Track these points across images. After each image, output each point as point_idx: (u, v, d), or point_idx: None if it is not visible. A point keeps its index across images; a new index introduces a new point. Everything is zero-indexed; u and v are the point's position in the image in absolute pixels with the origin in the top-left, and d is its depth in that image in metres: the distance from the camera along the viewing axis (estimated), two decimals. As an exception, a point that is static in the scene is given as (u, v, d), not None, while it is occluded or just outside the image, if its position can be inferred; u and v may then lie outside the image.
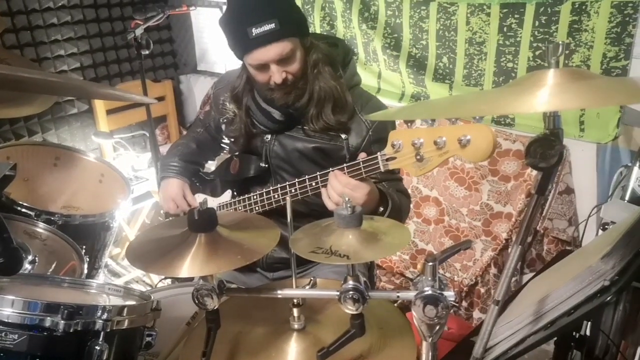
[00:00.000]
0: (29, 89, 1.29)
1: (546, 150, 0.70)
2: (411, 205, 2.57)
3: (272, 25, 1.27)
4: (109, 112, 3.29)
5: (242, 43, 1.33)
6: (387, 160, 1.15)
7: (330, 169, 1.28)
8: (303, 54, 1.38)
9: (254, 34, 1.28)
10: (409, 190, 2.56)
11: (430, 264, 0.83)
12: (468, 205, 2.39)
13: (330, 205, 1.28)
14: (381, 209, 1.34)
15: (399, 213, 1.39)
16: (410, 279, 2.71)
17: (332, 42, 1.50)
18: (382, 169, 1.18)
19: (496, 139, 0.96)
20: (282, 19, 1.29)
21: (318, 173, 1.31)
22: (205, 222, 0.94)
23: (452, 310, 0.87)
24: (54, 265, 1.61)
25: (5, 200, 1.79)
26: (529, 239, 2.22)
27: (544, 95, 0.62)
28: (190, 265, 0.87)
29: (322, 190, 1.30)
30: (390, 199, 1.35)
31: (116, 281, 2.95)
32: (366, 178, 1.25)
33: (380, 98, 2.57)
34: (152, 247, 0.96)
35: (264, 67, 1.35)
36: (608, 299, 0.78)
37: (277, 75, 1.34)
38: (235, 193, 1.68)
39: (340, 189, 1.24)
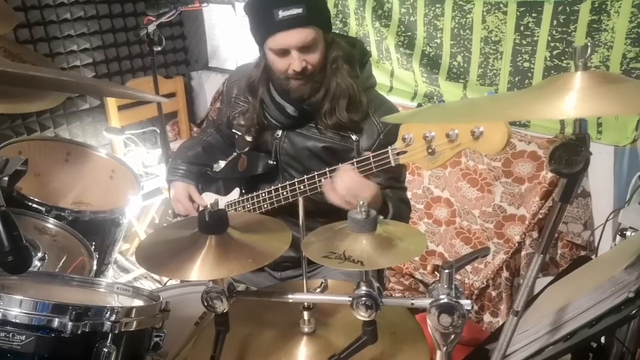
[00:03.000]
0: (41, 86, 1.28)
1: (572, 157, 0.67)
2: (421, 207, 2.55)
3: (300, 10, 1.28)
4: (121, 108, 3.29)
5: (266, 25, 1.32)
6: (397, 154, 1.13)
7: (340, 164, 1.26)
8: (324, 47, 1.37)
9: (280, 17, 1.28)
10: (420, 191, 2.55)
11: (447, 271, 0.81)
12: (480, 207, 2.36)
13: (332, 197, 1.26)
14: (381, 217, 1.32)
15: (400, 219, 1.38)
16: (420, 280, 2.68)
17: (350, 41, 1.49)
18: (392, 164, 1.16)
19: (510, 130, 0.94)
20: (309, 6, 1.30)
21: (327, 169, 1.29)
22: (216, 223, 0.92)
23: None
24: (63, 261, 1.61)
25: (16, 195, 1.80)
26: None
27: (572, 100, 0.59)
28: (200, 268, 0.86)
29: (326, 181, 1.28)
30: (390, 207, 1.34)
31: (125, 277, 2.95)
32: (373, 180, 1.24)
33: (392, 97, 2.56)
34: (162, 248, 0.94)
35: (284, 53, 1.34)
36: (633, 311, 0.75)
37: (297, 62, 1.33)
38: (243, 191, 1.67)
39: (349, 182, 1.22)
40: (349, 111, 1.40)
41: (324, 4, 1.40)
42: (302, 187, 1.35)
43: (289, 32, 1.30)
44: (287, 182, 1.39)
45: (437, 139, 1.02)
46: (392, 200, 1.37)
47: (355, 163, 1.23)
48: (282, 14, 1.27)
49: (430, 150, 1.04)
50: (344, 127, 1.42)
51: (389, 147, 1.15)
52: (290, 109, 1.45)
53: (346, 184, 1.23)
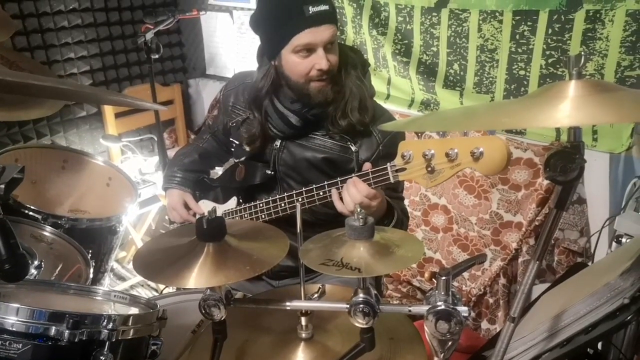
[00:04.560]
0: (39, 94, 1.28)
1: (566, 164, 0.68)
2: (419, 214, 2.56)
3: (327, 7, 1.32)
4: (118, 115, 3.29)
5: (295, 21, 1.32)
6: (396, 171, 1.13)
7: (339, 178, 1.27)
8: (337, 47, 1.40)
9: (310, 12, 1.30)
10: (417, 198, 2.56)
11: (444, 278, 0.82)
12: (477, 214, 2.36)
13: (340, 207, 1.27)
14: (385, 221, 1.33)
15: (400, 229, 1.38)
16: (418, 288, 2.68)
17: (352, 50, 1.51)
18: (391, 180, 1.16)
19: (510, 152, 0.94)
20: (331, 4, 1.34)
21: (326, 182, 1.30)
22: (214, 231, 0.92)
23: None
24: (59, 269, 1.60)
25: (12, 203, 1.79)
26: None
27: (566, 109, 0.60)
28: (197, 276, 0.86)
29: (334, 191, 1.28)
30: (395, 212, 1.34)
31: (121, 285, 2.94)
32: (377, 188, 1.23)
33: (389, 104, 2.57)
34: (160, 256, 0.94)
35: (309, 52, 1.34)
36: (628, 317, 0.75)
37: (323, 60, 1.34)
38: (240, 200, 1.67)
39: (360, 198, 1.22)
40: (360, 113, 1.42)
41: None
42: (300, 200, 1.35)
43: (318, 28, 1.31)
44: (285, 194, 1.39)
45: (437, 158, 1.02)
46: (396, 208, 1.38)
47: (354, 177, 1.23)
48: (312, 9, 1.29)
49: (429, 169, 1.04)
50: (354, 130, 1.43)
51: (388, 164, 1.16)
52: (293, 119, 1.45)
53: (357, 199, 1.22)
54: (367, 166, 1.24)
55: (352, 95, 1.41)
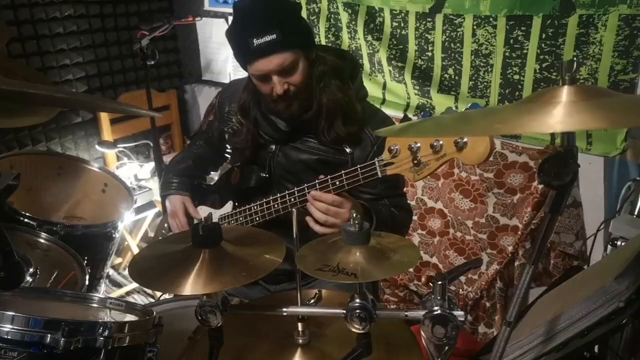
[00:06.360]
0: (34, 102, 1.28)
1: (560, 169, 0.68)
2: (415, 218, 2.56)
3: (274, 37, 1.29)
4: (113, 121, 3.28)
5: (244, 53, 1.35)
6: (384, 165, 1.14)
7: (329, 176, 1.28)
8: (306, 65, 1.38)
9: (255, 45, 1.29)
10: (413, 202, 2.56)
11: (440, 282, 0.82)
12: (473, 218, 2.37)
13: (318, 229, 1.28)
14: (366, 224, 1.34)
15: (393, 228, 1.39)
16: (415, 292, 2.68)
17: (339, 54, 1.50)
18: (379, 175, 1.17)
19: (493, 140, 0.96)
20: (284, 30, 1.30)
21: (317, 181, 1.30)
22: (210, 237, 0.92)
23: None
24: (54, 276, 1.59)
25: (7, 210, 1.78)
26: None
27: (559, 115, 0.60)
28: (193, 283, 0.86)
29: (308, 218, 1.29)
30: (373, 213, 1.35)
31: (117, 291, 2.93)
32: (345, 194, 1.27)
33: (385, 109, 2.57)
34: (155, 263, 0.94)
35: (265, 77, 1.36)
36: (624, 321, 0.76)
37: (278, 86, 1.35)
38: (236, 204, 1.67)
39: (325, 207, 1.25)
40: (346, 125, 1.42)
41: (302, 23, 1.40)
42: (292, 200, 1.36)
43: (265, 59, 1.31)
44: (278, 195, 1.40)
45: (422, 150, 1.05)
46: (374, 206, 1.39)
47: (343, 174, 1.25)
48: (256, 41, 1.28)
49: (415, 162, 1.06)
50: (343, 140, 1.43)
51: (376, 159, 1.17)
52: (281, 124, 1.47)
53: (322, 209, 1.25)
54: (321, 176, 1.27)
55: (334, 109, 1.40)
